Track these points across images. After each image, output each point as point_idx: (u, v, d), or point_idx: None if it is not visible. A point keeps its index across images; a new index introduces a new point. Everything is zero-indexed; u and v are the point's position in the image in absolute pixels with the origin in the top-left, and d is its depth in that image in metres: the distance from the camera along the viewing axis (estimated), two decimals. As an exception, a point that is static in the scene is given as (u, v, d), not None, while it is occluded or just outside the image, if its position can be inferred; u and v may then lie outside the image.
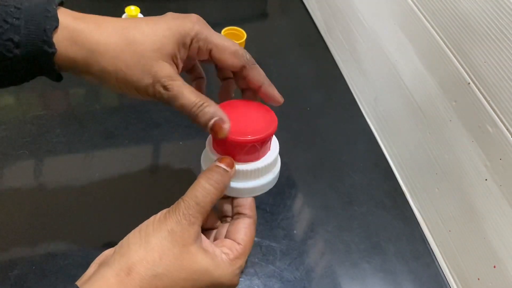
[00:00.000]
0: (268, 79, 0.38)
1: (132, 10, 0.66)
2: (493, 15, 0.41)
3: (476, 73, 0.44)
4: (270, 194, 0.53)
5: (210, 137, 0.37)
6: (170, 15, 0.35)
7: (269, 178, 0.39)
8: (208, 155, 0.37)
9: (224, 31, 0.69)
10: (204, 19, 0.37)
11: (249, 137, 0.34)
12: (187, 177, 0.53)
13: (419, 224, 0.54)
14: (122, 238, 0.46)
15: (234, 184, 0.36)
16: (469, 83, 0.45)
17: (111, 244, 0.45)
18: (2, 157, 0.49)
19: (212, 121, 0.33)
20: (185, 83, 0.34)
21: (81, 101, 0.58)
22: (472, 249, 0.47)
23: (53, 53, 0.31)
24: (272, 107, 0.39)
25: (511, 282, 0.42)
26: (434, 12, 0.49)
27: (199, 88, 0.39)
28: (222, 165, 0.34)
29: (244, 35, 0.69)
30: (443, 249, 0.51)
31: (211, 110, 0.33)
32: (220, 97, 0.40)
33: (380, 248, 0.50)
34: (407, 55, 0.55)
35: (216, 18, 0.75)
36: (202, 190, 0.32)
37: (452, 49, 0.47)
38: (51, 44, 0.30)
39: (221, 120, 0.33)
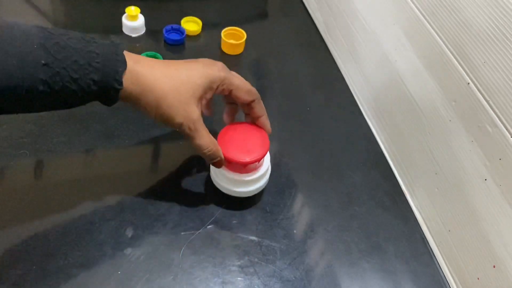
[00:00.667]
0: (267, 115, 0.49)
1: (132, 11, 0.66)
2: (493, 16, 0.41)
3: (475, 73, 0.44)
4: (270, 194, 0.53)
5: None
6: (201, 62, 0.44)
7: (261, 183, 0.50)
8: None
9: (224, 31, 0.69)
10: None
11: (247, 159, 0.46)
12: (187, 177, 0.53)
13: (418, 224, 0.54)
14: (121, 237, 0.46)
15: (233, 188, 0.49)
16: (468, 83, 0.45)
17: (111, 243, 0.45)
18: (2, 157, 0.49)
19: (216, 160, 0.45)
20: (204, 125, 0.43)
21: (81, 101, 0.58)
22: (471, 249, 0.47)
23: (120, 89, 0.39)
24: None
25: (510, 281, 0.42)
26: (433, 13, 0.49)
27: (232, 111, 0.50)
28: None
29: (244, 35, 0.69)
30: (443, 249, 0.51)
31: (215, 152, 0.44)
32: (226, 118, 0.50)
33: (380, 248, 0.50)
34: (407, 55, 0.55)
35: (216, 18, 0.76)
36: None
37: (451, 49, 0.47)
38: (120, 83, 0.38)
39: (221, 160, 0.46)
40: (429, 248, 0.52)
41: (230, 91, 0.45)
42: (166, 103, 0.40)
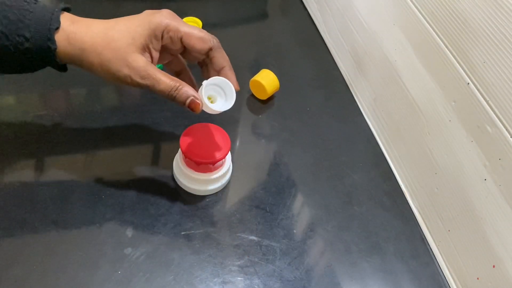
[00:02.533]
0: (230, 64, 0.44)
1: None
2: (493, 15, 0.41)
3: (475, 73, 0.44)
4: (270, 194, 0.53)
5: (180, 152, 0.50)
6: (144, 12, 0.41)
7: (222, 182, 0.52)
8: (179, 164, 0.50)
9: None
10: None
11: (208, 159, 0.47)
12: (187, 177, 0.53)
13: (418, 224, 0.54)
14: (121, 237, 0.46)
15: (196, 186, 0.50)
16: (468, 83, 0.45)
17: (111, 243, 0.45)
18: (2, 157, 0.49)
19: (188, 100, 0.41)
20: (159, 70, 0.40)
21: (82, 101, 0.58)
22: (471, 249, 0.47)
23: (55, 49, 0.38)
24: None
25: (510, 281, 0.42)
26: (433, 13, 0.49)
27: (185, 77, 0.46)
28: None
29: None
30: (443, 249, 0.51)
31: (188, 92, 0.41)
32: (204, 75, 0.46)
33: (380, 248, 0.50)
34: (406, 55, 0.55)
35: (216, 18, 0.75)
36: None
37: (451, 49, 0.47)
38: (53, 42, 0.38)
39: (195, 99, 0.41)
40: (429, 248, 0.52)
41: (181, 39, 0.41)
42: (106, 58, 0.39)
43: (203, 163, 0.47)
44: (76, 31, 0.39)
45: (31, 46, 0.38)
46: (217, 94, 0.45)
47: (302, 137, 0.61)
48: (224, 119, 0.58)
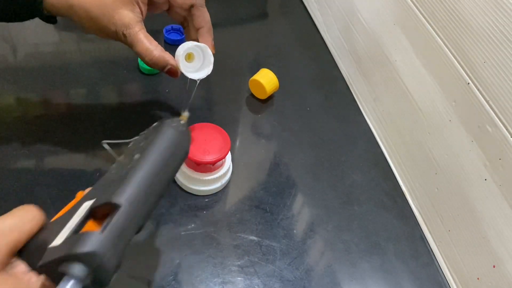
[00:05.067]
0: (210, 26, 0.43)
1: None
2: (493, 15, 0.41)
3: (475, 73, 0.44)
4: (270, 194, 0.53)
5: None
6: None
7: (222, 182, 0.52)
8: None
9: None
10: None
11: (208, 159, 0.47)
12: (187, 177, 0.53)
13: (418, 224, 0.54)
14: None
15: (196, 186, 0.50)
16: (468, 83, 0.45)
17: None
18: (2, 157, 0.49)
19: (166, 69, 0.42)
20: (142, 30, 0.39)
21: (81, 101, 0.58)
22: (471, 249, 0.47)
23: (41, 1, 0.38)
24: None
25: (510, 281, 0.42)
26: (433, 12, 0.49)
27: (202, 36, 0.45)
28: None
29: None
30: (443, 249, 0.51)
31: (165, 58, 0.41)
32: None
33: (380, 248, 0.50)
34: (407, 55, 0.55)
35: (216, 18, 0.75)
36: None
37: (451, 49, 0.47)
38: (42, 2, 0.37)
39: (173, 68, 0.42)
40: (429, 248, 0.52)
41: None
42: (94, 15, 0.38)
43: (203, 163, 0.47)
44: None
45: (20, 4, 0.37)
46: (196, 54, 0.44)
47: (302, 137, 0.61)
48: (224, 119, 0.59)
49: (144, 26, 0.40)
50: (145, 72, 0.62)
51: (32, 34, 0.64)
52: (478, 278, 0.46)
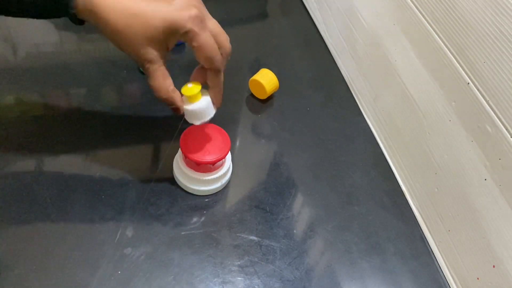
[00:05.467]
0: (220, 87, 0.45)
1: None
2: (493, 15, 0.41)
3: (475, 73, 0.44)
4: (270, 194, 0.53)
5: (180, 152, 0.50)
6: (176, 3, 0.40)
7: (222, 182, 0.52)
8: (178, 164, 0.50)
9: None
10: None
11: (208, 159, 0.47)
12: (187, 177, 0.53)
13: (418, 224, 0.54)
14: (121, 237, 0.46)
15: (196, 186, 0.50)
16: (468, 83, 0.45)
17: (111, 243, 0.45)
18: (2, 157, 0.49)
19: (171, 107, 0.44)
20: (161, 67, 0.41)
21: (81, 101, 0.58)
22: (471, 249, 0.47)
23: (74, 14, 0.38)
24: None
25: (510, 281, 0.42)
26: (433, 13, 0.49)
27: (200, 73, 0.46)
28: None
29: None
30: (443, 249, 0.51)
31: (174, 99, 0.43)
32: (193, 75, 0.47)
33: (380, 248, 0.50)
34: (406, 55, 0.55)
35: (216, 18, 0.75)
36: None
37: (451, 49, 0.47)
38: (71, 7, 0.38)
39: (176, 109, 0.44)
40: (429, 248, 0.52)
41: (192, 46, 0.42)
42: (120, 39, 0.39)
43: (203, 163, 0.47)
44: (98, 4, 0.38)
45: (51, 5, 0.38)
46: (206, 92, 0.45)
47: (302, 137, 0.61)
48: (224, 119, 0.58)
49: (165, 62, 0.42)
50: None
51: (32, 34, 0.64)
52: (478, 278, 0.46)
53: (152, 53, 0.40)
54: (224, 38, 0.44)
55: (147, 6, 0.39)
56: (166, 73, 0.42)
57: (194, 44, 0.41)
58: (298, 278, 0.46)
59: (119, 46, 0.40)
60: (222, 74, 0.44)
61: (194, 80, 0.45)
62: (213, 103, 0.46)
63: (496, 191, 0.43)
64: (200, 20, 0.40)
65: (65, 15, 0.39)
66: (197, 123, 0.45)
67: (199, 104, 0.44)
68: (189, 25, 0.39)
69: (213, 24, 0.43)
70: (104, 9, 0.38)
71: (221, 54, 0.43)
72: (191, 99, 0.44)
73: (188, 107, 0.44)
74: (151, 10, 0.39)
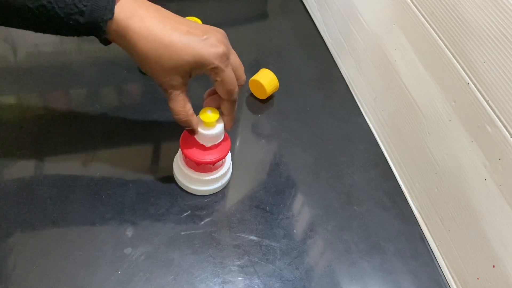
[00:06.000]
0: (234, 115, 0.47)
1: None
2: (493, 16, 0.41)
3: (475, 73, 0.44)
4: (270, 194, 0.53)
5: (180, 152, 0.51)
6: (205, 40, 0.41)
7: (222, 182, 0.52)
8: (178, 163, 0.50)
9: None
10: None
11: (208, 159, 0.48)
12: (187, 177, 0.53)
13: (418, 224, 0.54)
14: (121, 237, 0.46)
15: (196, 186, 0.50)
16: (468, 83, 0.45)
17: (111, 243, 0.45)
18: (2, 157, 0.49)
19: (187, 128, 0.46)
20: (183, 93, 0.43)
21: (81, 101, 0.58)
22: (471, 249, 0.47)
23: (106, 38, 0.40)
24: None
25: (510, 281, 0.42)
26: (433, 13, 0.49)
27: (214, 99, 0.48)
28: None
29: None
30: (443, 249, 0.51)
31: (191, 123, 0.45)
32: (206, 97, 0.49)
33: (380, 248, 0.50)
34: (406, 55, 0.55)
35: (216, 18, 0.75)
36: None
37: (451, 49, 0.47)
38: (104, 31, 0.39)
39: (192, 131, 0.46)
40: (429, 248, 0.52)
41: (215, 80, 0.44)
42: (148, 65, 0.41)
43: (203, 163, 0.47)
44: (128, 27, 0.39)
45: (85, 30, 0.39)
46: (220, 118, 0.48)
47: (302, 137, 0.61)
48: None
49: (187, 88, 0.44)
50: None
51: (32, 34, 0.64)
52: (478, 278, 0.46)
53: (177, 80, 0.42)
54: (242, 71, 0.46)
55: (179, 39, 0.40)
56: (187, 98, 0.44)
57: (218, 79, 0.43)
58: (298, 278, 0.46)
59: (145, 70, 0.42)
60: (236, 103, 0.47)
61: (208, 105, 0.47)
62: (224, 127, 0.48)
63: (496, 191, 0.43)
64: (226, 57, 0.42)
65: (95, 36, 0.40)
66: (208, 145, 0.47)
67: (214, 130, 0.46)
68: (217, 63, 0.41)
69: (234, 58, 0.45)
70: (137, 37, 0.40)
71: (238, 85, 0.45)
72: (207, 125, 0.46)
73: (204, 131, 0.46)
74: (183, 44, 0.40)
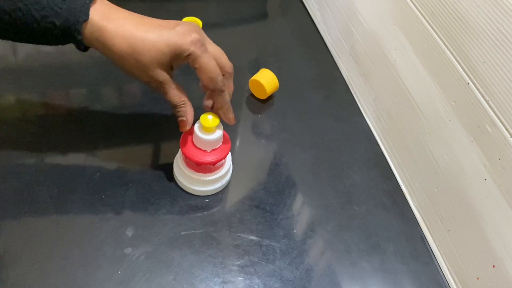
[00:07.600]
0: (228, 104, 0.47)
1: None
2: (492, 15, 0.41)
3: (475, 73, 0.44)
4: (270, 194, 0.53)
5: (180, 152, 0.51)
6: (177, 30, 0.42)
7: (222, 183, 0.52)
8: (178, 163, 0.50)
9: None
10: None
11: (208, 160, 0.47)
12: (187, 177, 0.53)
13: (418, 224, 0.54)
14: (121, 237, 0.46)
15: (197, 187, 0.50)
16: (468, 83, 0.45)
17: (111, 243, 0.45)
18: (2, 157, 0.49)
19: (179, 119, 0.46)
20: (173, 84, 0.44)
21: (81, 101, 0.58)
22: (471, 249, 0.47)
23: (81, 40, 0.41)
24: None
25: (510, 281, 0.42)
26: (433, 12, 0.49)
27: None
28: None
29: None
30: (442, 249, 0.51)
31: (183, 111, 0.45)
32: (205, 101, 0.49)
33: (380, 248, 0.50)
34: (406, 55, 0.55)
35: (216, 18, 0.75)
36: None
37: (451, 49, 0.47)
38: (79, 33, 0.40)
39: (184, 121, 0.46)
40: (429, 248, 0.52)
41: (195, 68, 0.44)
42: (129, 64, 0.42)
43: (203, 163, 0.47)
44: (104, 28, 0.40)
45: (61, 33, 0.40)
46: (220, 125, 0.48)
47: (302, 137, 0.61)
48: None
49: (174, 80, 0.44)
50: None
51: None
52: (478, 278, 0.46)
53: (161, 74, 0.43)
54: (225, 59, 0.46)
55: (152, 32, 0.42)
56: (182, 87, 0.45)
57: (196, 65, 0.43)
58: (298, 278, 0.46)
59: (127, 70, 0.43)
60: (227, 94, 0.47)
61: (207, 101, 0.48)
62: (226, 122, 0.48)
63: (496, 191, 0.43)
64: (201, 44, 0.43)
65: (72, 42, 0.41)
66: (207, 149, 0.47)
67: (213, 136, 0.47)
68: (192, 48, 0.42)
69: (213, 47, 0.45)
70: (113, 36, 0.41)
71: (223, 74, 0.45)
72: (207, 129, 0.46)
73: (202, 135, 0.46)
74: (156, 36, 0.41)
